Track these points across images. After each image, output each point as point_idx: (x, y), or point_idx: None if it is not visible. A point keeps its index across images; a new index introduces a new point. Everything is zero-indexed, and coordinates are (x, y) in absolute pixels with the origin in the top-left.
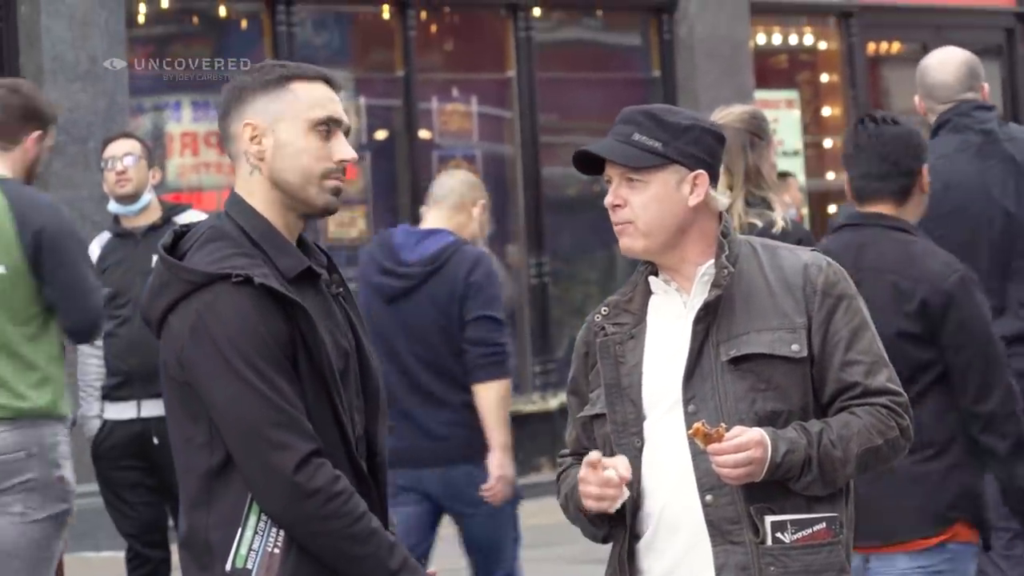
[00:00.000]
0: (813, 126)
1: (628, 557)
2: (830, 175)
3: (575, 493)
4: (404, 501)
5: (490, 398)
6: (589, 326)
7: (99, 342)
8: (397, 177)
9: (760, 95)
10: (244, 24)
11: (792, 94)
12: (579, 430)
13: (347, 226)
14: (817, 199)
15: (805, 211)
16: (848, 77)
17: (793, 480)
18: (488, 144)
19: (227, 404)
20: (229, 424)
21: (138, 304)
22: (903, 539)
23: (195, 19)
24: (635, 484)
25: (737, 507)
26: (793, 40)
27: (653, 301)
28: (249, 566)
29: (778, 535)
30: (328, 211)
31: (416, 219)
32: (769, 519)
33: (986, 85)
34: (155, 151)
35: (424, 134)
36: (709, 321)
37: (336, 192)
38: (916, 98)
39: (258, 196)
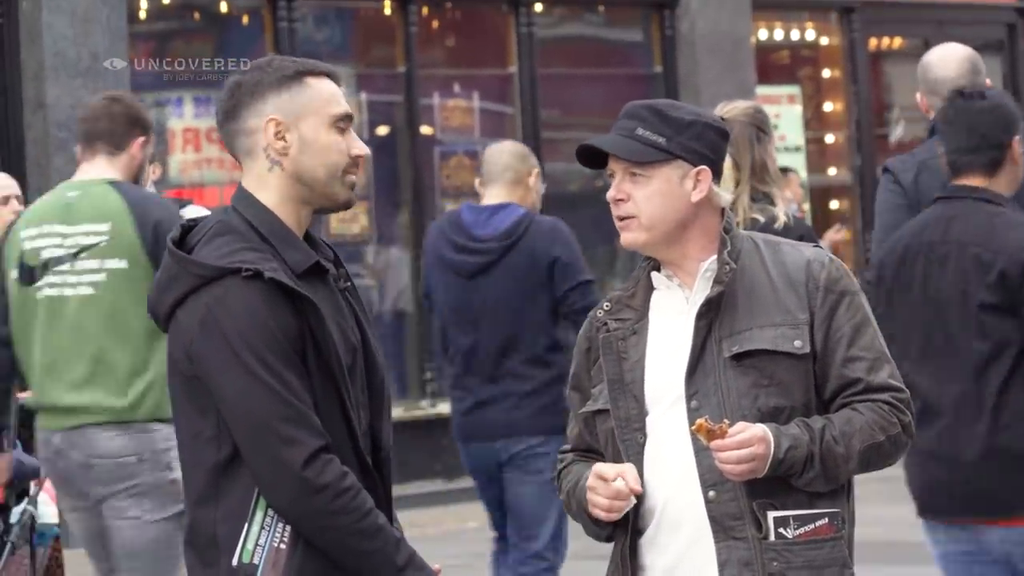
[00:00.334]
0: (815, 122)
1: (630, 553)
2: (831, 171)
3: (578, 491)
4: (477, 476)
5: None
6: (591, 321)
7: None
8: (399, 173)
9: (762, 91)
10: (245, 20)
11: (794, 90)
12: (581, 426)
13: (349, 222)
14: (818, 195)
15: (807, 207)
16: (850, 73)
17: (795, 476)
18: (490, 140)
19: (236, 398)
20: (238, 418)
21: None
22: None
23: (196, 15)
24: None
25: (740, 503)
26: (795, 36)
27: (655, 297)
28: (256, 561)
29: (781, 531)
30: (348, 205)
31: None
32: (772, 515)
33: (988, 81)
34: (156, 147)
35: (426, 130)
36: (711, 317)
37: (353, 187)
38: (918, 95)
39: (273, 191)
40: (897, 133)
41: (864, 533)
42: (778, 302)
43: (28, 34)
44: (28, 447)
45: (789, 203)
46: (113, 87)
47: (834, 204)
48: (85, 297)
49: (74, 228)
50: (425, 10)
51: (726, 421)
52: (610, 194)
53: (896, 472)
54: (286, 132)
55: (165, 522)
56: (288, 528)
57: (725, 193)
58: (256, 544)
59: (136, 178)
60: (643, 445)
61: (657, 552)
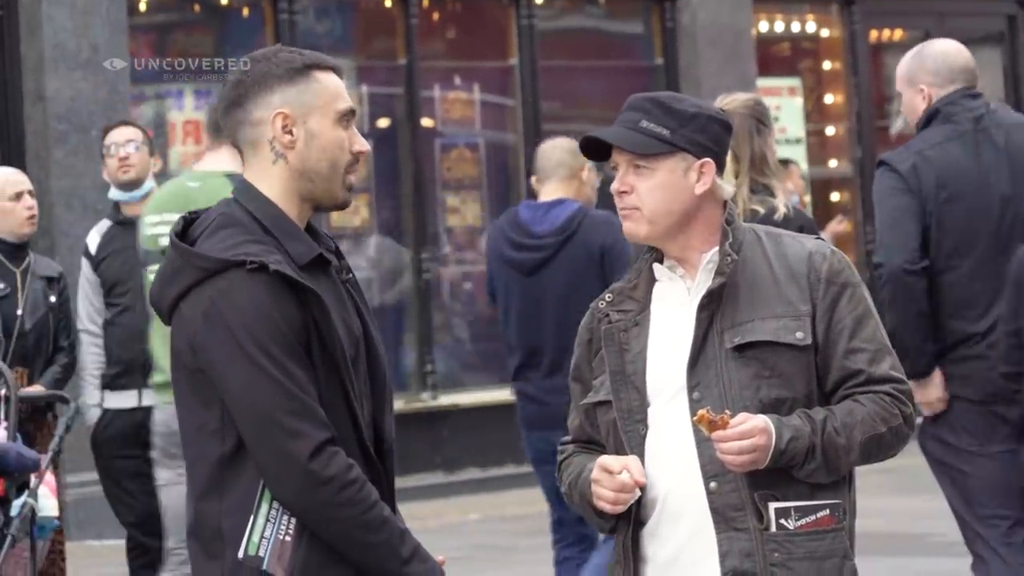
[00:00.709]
0: (815, 114)
1: (632, 544)
2: (832, 162)
3: (580, 482)
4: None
5: None
6: (593, 313)
7: (98, 330)
8: (399, 165)
9: (762, 83)
10: (246, 12)
11: (794, 82)
12: (582, 417)
13: (350, 214)
14: (819, 186)
15: (807, 198)
16: (850, 64)
17: (797, 467)
18: (490, 132)
19: (241, 391)
20: (243, 411)
21: (138, 292)
22: None
23: (196, 7)
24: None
25: (741, 494)
26: (795, 28)
27: (657, 288)
28: (261, 554)
29: (782, 522)
30: (344, 205)
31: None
32: (773, 506)
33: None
34: (156, 139)
35: (426, 122)
36: (713, 308)
37: (351, 188)
38: (921, 86)
39: (275, 184)
40: (898, 125)
41: (865, 524)
42: (780, 294)
43: (28, 26)
44: (30, 441)
45: (791, 195)
46: (113, 79)
47: (835, 196)
48: None
49: None
50: (426, 2)
51: (728, 412)
52: (614, 186)
53: (898, 463)
54: (293, 126)
55: None
56: (293, 520)
57: (728, 185)
58: (261, 536)
59: None
60: (644, 436)
61: (658, 543)
